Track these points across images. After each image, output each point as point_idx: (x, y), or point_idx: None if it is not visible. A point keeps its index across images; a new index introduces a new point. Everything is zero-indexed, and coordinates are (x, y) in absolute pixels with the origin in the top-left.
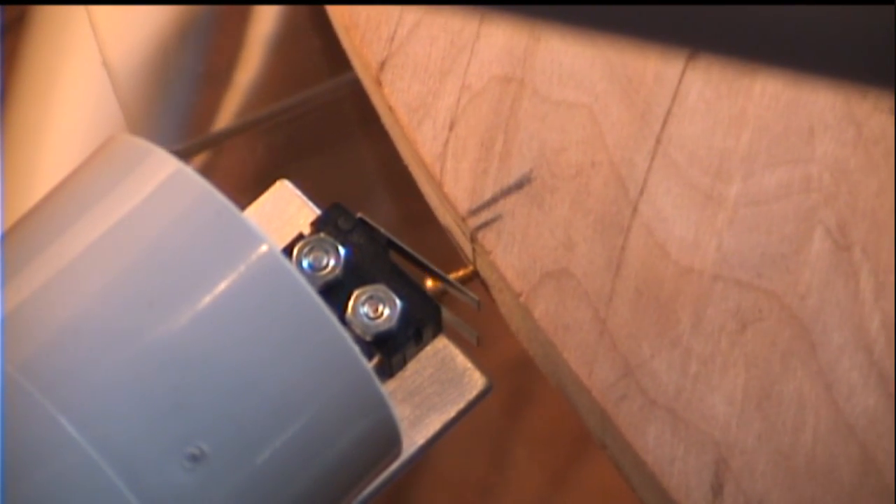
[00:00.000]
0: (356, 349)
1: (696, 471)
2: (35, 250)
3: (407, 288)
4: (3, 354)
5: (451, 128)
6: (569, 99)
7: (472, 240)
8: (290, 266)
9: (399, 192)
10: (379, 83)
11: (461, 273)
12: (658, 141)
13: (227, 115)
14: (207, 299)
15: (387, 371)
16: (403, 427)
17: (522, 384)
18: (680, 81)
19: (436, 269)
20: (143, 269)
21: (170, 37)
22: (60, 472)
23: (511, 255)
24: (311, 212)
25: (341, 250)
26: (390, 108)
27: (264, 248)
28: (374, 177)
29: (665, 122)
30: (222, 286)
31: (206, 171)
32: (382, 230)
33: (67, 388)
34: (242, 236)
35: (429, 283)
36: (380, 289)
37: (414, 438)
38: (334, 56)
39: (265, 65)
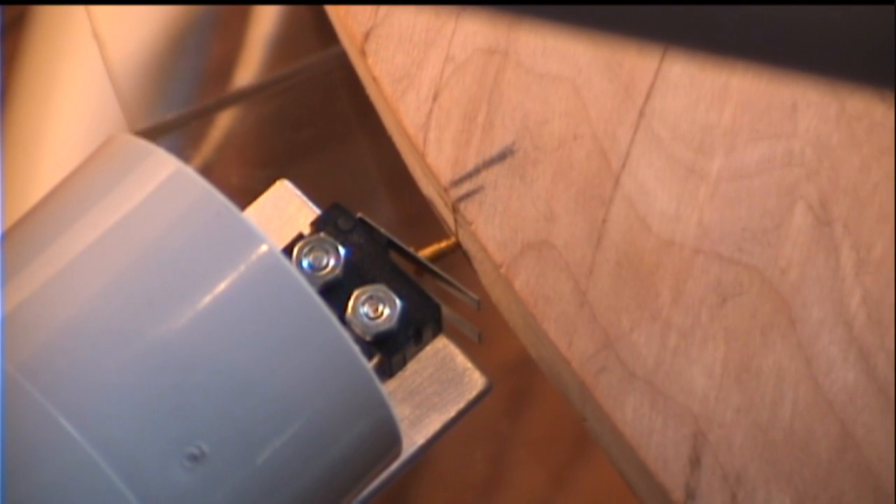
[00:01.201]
0: (356, 349)
1: (673, 443)
2: (35, 250)
3: (407, 288)
4: (3, 354)
5: (434, 98)
6: (552, 71)
7: (454, 210)
8: (291, 266)
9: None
10: (363, 53)
11: (444, 244)
12: (641, 114)
13: (227, 115)
14: (207, 299)
15: (387, 371)
16: (403, 427)
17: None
18: (663, 56)
19: (435, 268)
20: (143, 269)
21: (170, 37)
22: (60, 472)
23: (492, 227)
24: (311, 212)
25: (341, 250)
26: (374, 79)
27: (264, 247)
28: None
29: (648, 95)
30: (222, 286)
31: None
32: (382, 230)
33: (67, 389)
34: (242, 236)
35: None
36: (380, 289)
37: (414, 438)
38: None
39: (265, 65)
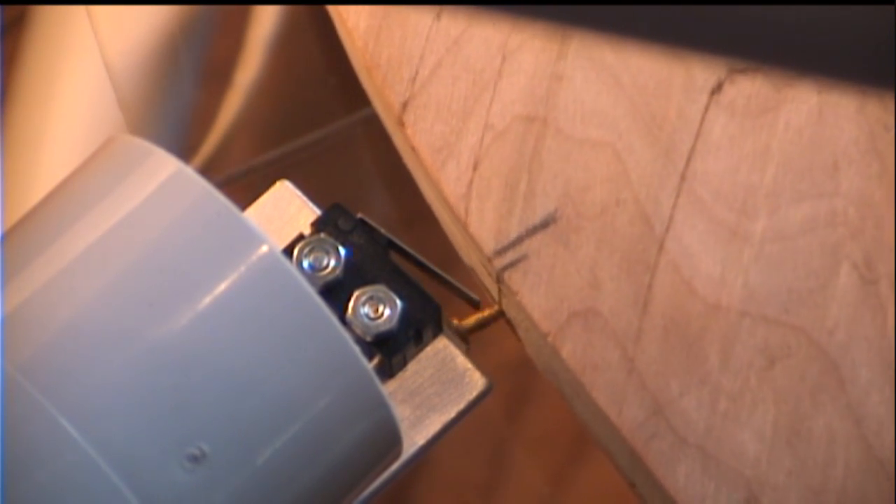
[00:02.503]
0: (357, 350)
1: None
2: (35, 250)
3: (407, 288)
4: (3, 354)
5: (475, 168)
6: (592, 137)
7: (499, 280)
8: (291, 266)
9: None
10: (402, 124)
11: (486, 313)
12: (683, 178)
13: (227, 115)
14: (208, 300)
15: (387, 371)
16: (404, 427)
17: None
18: (703, 118)
19: (435, 269)
20: (143, 270)
21: (170, 37)
22: (60, 472)
23: (538, 296)
24: (312, 212)
25: (342, 251)
26: (413, 149)
27: (265, 248)
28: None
29: (689, 158)
30: (222, 287)
31: (206, 171)
32: (383, 230)
33: (67, 389)
34: (243, 237)
35: (455, 321)
36: (380, 289)
37: (414, 439)
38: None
39: (265, 65)
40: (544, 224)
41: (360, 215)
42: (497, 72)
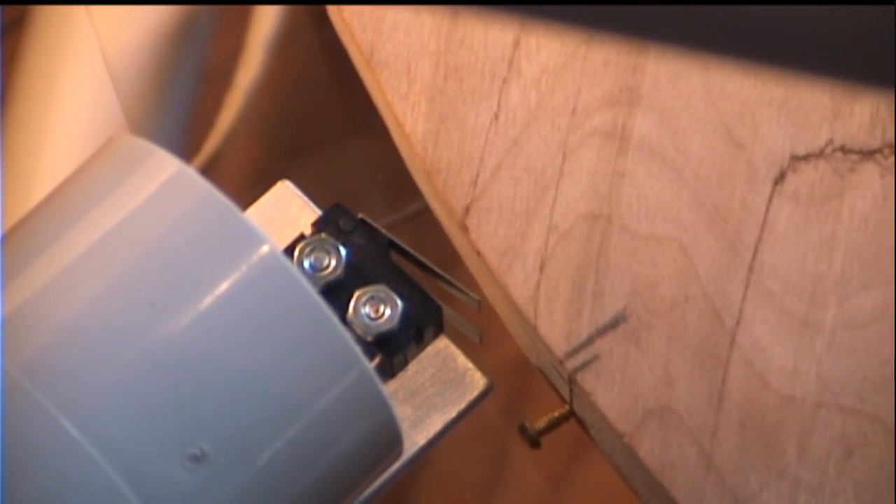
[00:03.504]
0: (357, 350)
1: None
2: (36, 251)
3: (408, 288)
4: (4, 355)
5: (541, 269)
6: (658, 233)
7: (571, 381)
8: (292, 266)
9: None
10: (465, 228)
11: (557, 414)
12: (750, 269)
13: (227, 115)
14: (209, 300)
15: (388, 371)
16: (405, 427)
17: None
18: (768, 208)
19: (436, 268)
20: (144, 270)
21: (170, 37)
22: (61, 472)
23: (612, 396)
24: (313, 212)
25: (342, 251)
26: (478, 253)
27: (266, 248)
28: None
29: (756, 249)
30: (224, 287)
31: (207, 171)
32: (383, 230)
33: (68, 389)
34: (244, 237)
35: (526, 424)
36: (381, 289)
37: (415, 438)
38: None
39: (265, 65)
40: (614, 323)
41: (361, 215)
42: (558, 171)
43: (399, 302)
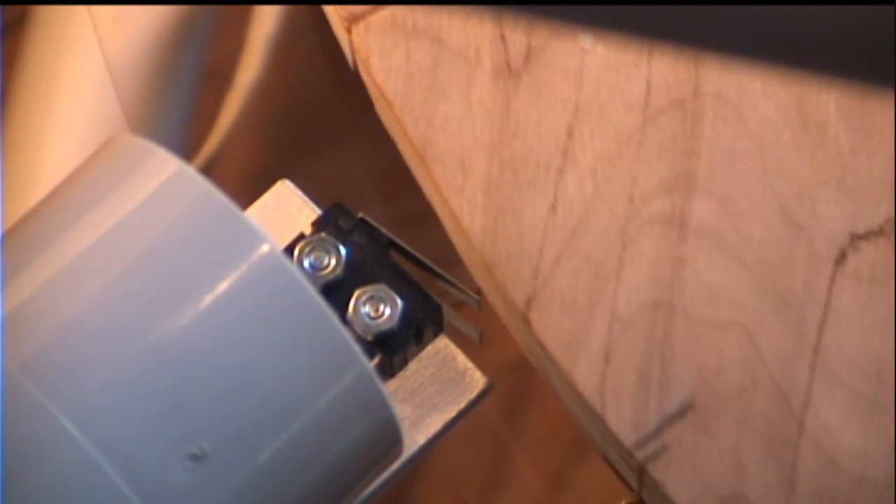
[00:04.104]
0: (357, 349)
1: None
2: (36, 249)
3: (408, 288)
4: (4, 353)
5: (606, 360)
6: (721, 318)
7: (641, 472)
8: (292, 266)
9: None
10: (527, 321)
11: (626, 503)
12: (816, 352)
13: (227, 115)
14: (209, 299)
15: (388, 371)
16: (404, 426)
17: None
18: (830, 289)
19: (436, 268)
20: (144, 269)
21: (171, 37)
22: (61, 471)
23: (683, 485)
24: (312, 212)
25: (342, 250)
26: (542, 346)
27: (265, 247)
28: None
29: (820, 331)
30: (224, 286)
31: (207, 171)
32: (383, 230)
33: (68, 387)
34: (244, 236)
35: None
36: (381, 288)
37: (415, 438)
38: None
39: (265, 65)
40: (682, 412)
41: (360, 215)
42: (619, 260)
43: (399, 301)
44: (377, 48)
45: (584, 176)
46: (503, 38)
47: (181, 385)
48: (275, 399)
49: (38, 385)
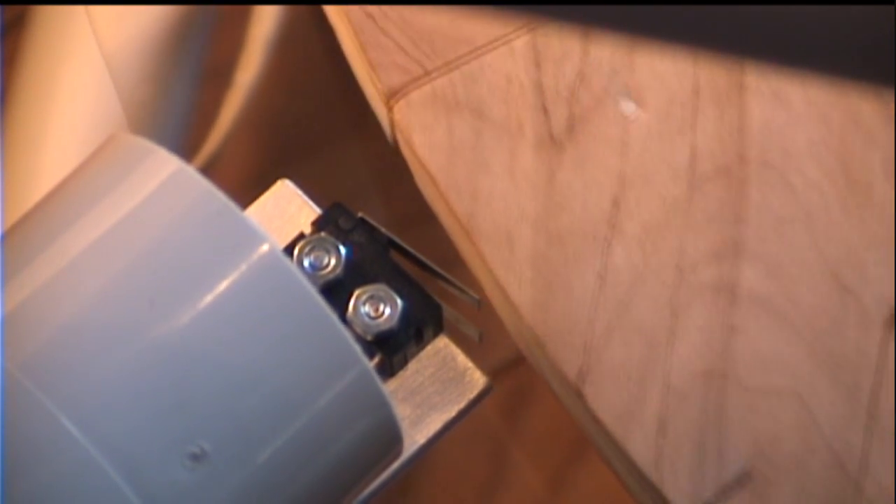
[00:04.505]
0: (357, 348)
1: None
2: (36, 249)
3: (408, 287)
4: (3, 353)
5: (661, 432)
6: (775, 386)
7: None
8: (292, 265)
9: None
10: (580, 395)
11: None
12: (870, 416)
13: (227, 115)
14: (209, 298)
15: (388, 370)
16: (404, 426)
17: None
18: (881, 351)
19: (436, 267)
20: (144, 268)
21: (170, 36)
22: (61, 470)
23: None
24: (312, 211)
25: (342, 250)
26: (596, 420)
27: (265, 247)
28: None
29: (874, 394)
30: (223, 285)
31: (207, 170)
32: (383, 229)
33: (68, 387)
34: (244, 235)
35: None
36: (381, 288)
37: (415, 437)
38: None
39: (265, 64)
40: (739, 481)
41: (360, 214)
42: (670, 330)
43: (399, 301)
44: (419, 124)
45: (632, 246)
46: (545, 109)
47: (181, 384)
48: (275, 399)
49: (38, 384)
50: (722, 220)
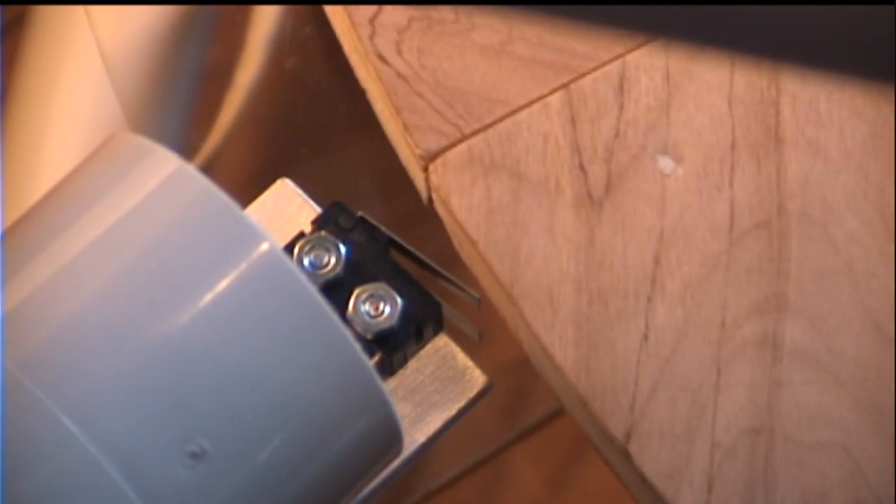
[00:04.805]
0: (357, 347)
1: None
2: (36, 248)
3: (408, 286)
4: (3, 351)
5: (709, 489)
6: (821, 440)
7: None
8: (292, 264)
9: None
10: (627, 455)
11: None
12: None
13: (227, 115)
14: (209, 297)
15: (388, 369)
16: (404, 425)
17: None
18: None
19: (436, 266)
20: (144, 267)
21: (170, 36)
22: (61, 469)
23: None
24: (312, 210)
25: (342, 248)
26: (643, 479)
27: (265, 246)
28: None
29: None
30: (223, 284)
31: (207, 169)
32: (383, 228)
33: (68, 386)
34: (244, 234)
35: None
36: (381, 287)
37: (414, 436)
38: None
39: (265, 64)
40: None
41: (360, 213)
42: (714, 386)
43: (399, 300)
44: (456, 186)
45: (674, 303)
46: (582, 168)
47: (181, 383)
48: (275, 397)
49: (38, 383)
50: (763, 275)
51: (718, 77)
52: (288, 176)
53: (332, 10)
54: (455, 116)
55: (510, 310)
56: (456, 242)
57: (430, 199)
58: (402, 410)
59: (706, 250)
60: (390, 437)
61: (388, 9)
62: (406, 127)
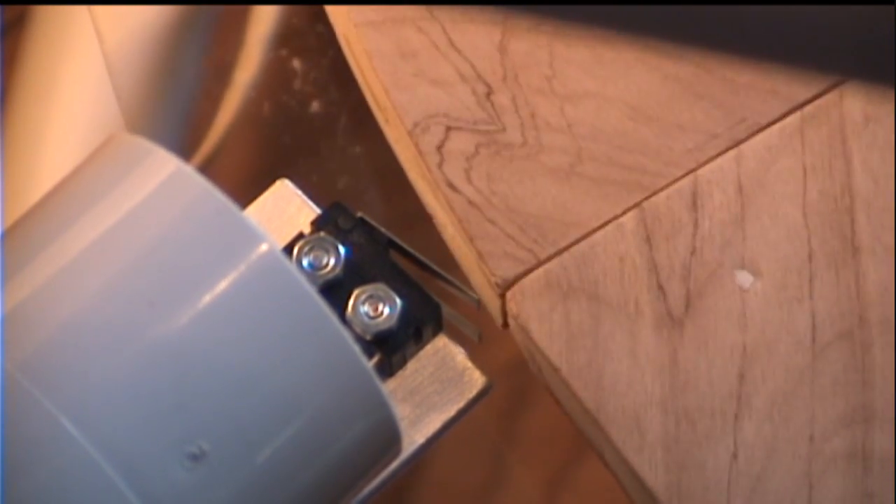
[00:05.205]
0: (356, 348)
1: None
2: (35, 249)
3: (407, 287)
4: (2, 353)
5: None
6: None
7: None
8: (291, 265)
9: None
10: None
11: None
12: None
13: (227, 115)
14: (208, 298)
15: (387, 370)
16: (403, 426)
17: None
18: None
19: (435, 267)
20: (143, 268)
21: (170, 36)
22: (60, 471)
23: None
24: (312, 211)
25: (341, 249)
26: None
27: (264, 246)
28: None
29: None
30: (223, 285)
31: (206, 170)
32: (383, 229)
33: (67, 387)
34: (243, 235)
35: None
36: (380, 288)
37: (414, 437)
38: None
39: (264, 64)
40: None
41: (359, 214)
42: (806, 501)
43: (398, 300)
44: (535, 313)
45: (762, 419)
46: (660, 287)
47: (180, 384)
48: (274, 398)
49: (37, 385)
50: (848, 386)
51: (792, 187)
52: (287, 176)
53: (430, 198)
54: (529, 242)
55: (598, 435)
56: (534, 368)
57: (506, 325)
58: (402, 411)
59: (790, 364)
60: (389, 438)
61: (455, 135)
62: (480, 255)
